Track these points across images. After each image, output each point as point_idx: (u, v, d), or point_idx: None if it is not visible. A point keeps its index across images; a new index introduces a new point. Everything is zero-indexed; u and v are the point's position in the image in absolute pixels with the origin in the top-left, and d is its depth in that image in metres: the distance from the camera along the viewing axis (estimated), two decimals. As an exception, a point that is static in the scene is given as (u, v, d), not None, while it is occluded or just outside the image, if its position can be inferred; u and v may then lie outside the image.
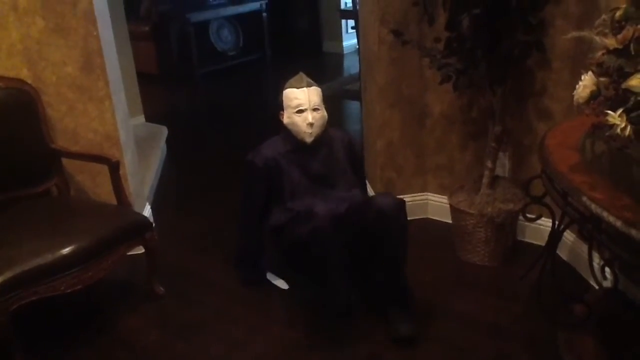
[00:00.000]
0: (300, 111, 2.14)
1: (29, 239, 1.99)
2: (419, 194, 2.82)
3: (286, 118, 2.19)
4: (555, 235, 1.74)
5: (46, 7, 2.29)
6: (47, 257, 1.90)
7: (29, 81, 2.34)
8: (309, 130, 2.14)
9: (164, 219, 2.95)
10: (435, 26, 2.24)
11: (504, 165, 2.47)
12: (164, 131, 4.13)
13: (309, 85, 2.18)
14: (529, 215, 1.82)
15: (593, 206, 1.29)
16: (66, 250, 1.94)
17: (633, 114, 1.17)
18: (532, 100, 2.34)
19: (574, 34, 1.48)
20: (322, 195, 2.18)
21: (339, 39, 7.07)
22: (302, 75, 2.21)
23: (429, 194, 2.82)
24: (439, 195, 2.75)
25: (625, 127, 1.19)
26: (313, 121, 2.13)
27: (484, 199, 2.32)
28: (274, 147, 2.25)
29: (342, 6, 6.79)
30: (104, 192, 2.49)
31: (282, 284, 2.37)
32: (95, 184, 2.54)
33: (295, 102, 2.14)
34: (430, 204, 2.81)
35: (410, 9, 2.33)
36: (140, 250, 2.30)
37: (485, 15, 1.95)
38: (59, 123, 2.44)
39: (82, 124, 2.46)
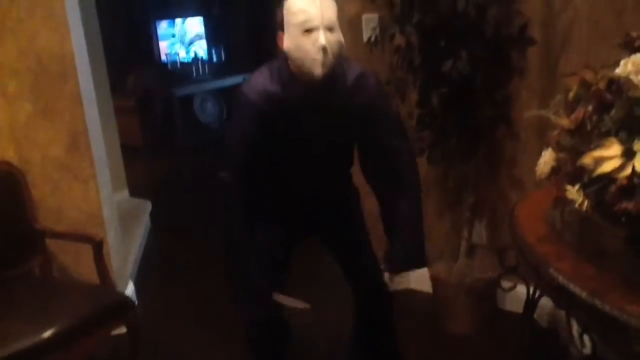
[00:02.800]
0: (309, 30, 1.51)
1: (8, 321, 1.98)
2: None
3: (287, 42, 1.57)
4: (530, 304, 1.78)
5: (34, 91, 2.38)
6: (27, 341, 1.89)
7: (15, 162, 2.39)
8: (321, 58, 1.51)
9: (147, 295, 2.94)
10: (408, 102, 2.36)
11: (480, 233, 2.53)
12: (147, 206, 4.16)
13: None
14: (504, 286, 1.86)
15: (560, 277, 1.35)
16: (47, 334, 1.92)
17: (588, 190, 1.25)
18: (503, 170, 2.44)
19: (534, 112, 1.58)
20: (310, 179, 1.77)
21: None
22: None
23: (410, 262, 2.85)
24: (420, 264, 2.78)
25: (583, 201, 1.26)
26: (327, 44, 1.51)
27: (462, 268, 2.36)
28: (268, 80, 1.67)
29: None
30: (86, 271, 2.49)
31: (298, 302, 1.77)
32: (77, 263, 2.55)
33: (301, 17, 1.51)
34: (411, 274, 2.84)
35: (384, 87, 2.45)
36: (123, 329, 2.29)
37: (453, 93, 2.06)
38: (43, 202, 2.48)
39: (66, 203, 2.50)
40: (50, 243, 2.46)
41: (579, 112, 1.34)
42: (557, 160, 1.43)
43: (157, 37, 7.35)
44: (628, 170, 1.17)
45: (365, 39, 2.45)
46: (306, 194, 1.82)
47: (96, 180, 2.52)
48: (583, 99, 1.38)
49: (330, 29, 1.53)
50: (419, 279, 2.78)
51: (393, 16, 2.14)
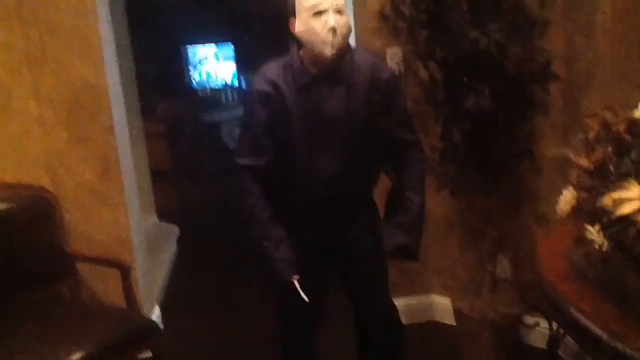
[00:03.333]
0: (319, 13, 1.60)
1: (37, 343, 2.04)
2: (423, 295, 2.85)
3: (299, 26, 1.66)
4: (554, 341, 1.77)
5: (70, 120, 2.48)
6: (57, 364, 1.94)
7: (50, 188, 2.48)
8: (331, 38, 1.60)
9: (174, 320, 2.98)
10: (431, 136, 2.38)
11: (505, 268, 2.51)
12: (175, 230, 4.24)
13: None
14: (527, 322, 1.85)
15: (580, 317, 1.34)
16: (75, 357, 1.97)
17: (608, 231, 1.25)
18: (527, 205, 2.43)
19: (555, 150, 1.59)
20: (328, 156, 1.73)
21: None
22: None
23: (434, 295, 2.85)
24: (444, 297, 2.78)
25: (603, 243, 1.26)
26: (336, 26, 1.60)
27: (486, 303, 2.35)
28: (277, 69, 1.74)
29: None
30: (114, 294, 2.55)
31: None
32: (106, 286, 2.61)
33: (311, 1, 1.60)
34: (435, 306, 2.83)
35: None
36: (149, 354, 2.33)
37: (476, 129, 2.08)
38: (75, 227, 2.56)
39: (97, 228, 2.58)
40: (80, 266, 2.53)
41: (599, 153, 1.35)
42: (578, 199, 1.44)
43: (187, 63, 7.55)
44: (648, 213, 1.18)
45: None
46: (323, 192, 1.77)
47: (126, 206, 2.59)
48: (603, 139, 1.39)
49: (339, 11, 1.62)
50: (442, 312, 2.77)
51: (416, 52, 2.18)
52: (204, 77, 7.97)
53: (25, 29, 2.35)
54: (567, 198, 1.47)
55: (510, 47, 1.97)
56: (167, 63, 7.83)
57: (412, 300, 2.81)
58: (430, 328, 2.78)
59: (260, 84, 1.73)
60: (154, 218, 4.42)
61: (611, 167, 1.35)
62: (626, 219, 1.20)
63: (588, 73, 2.10)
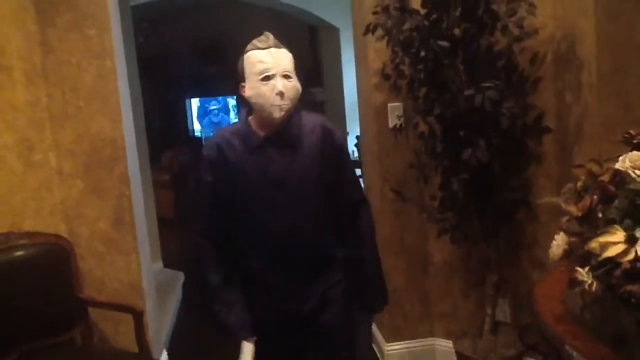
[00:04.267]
0: (267, 78, 1.65)
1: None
2: (426, 339, 2.91)
3: (248, 90, 1.69)
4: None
5: (87, 171, 2.61)
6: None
7: (66, 236, 2.59)
8: (279, 102, 1.65)
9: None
10: (431, 185, 2.51)
11: (504, 311, 2.59)
12: (180, 277, 4.31)
13: (277, 46, 1.69)
14: (513, 353, 1.93)
15: (575, 354, 1.43)
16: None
17: (596, 272, 1.35)
18: (525, 251, 2.54)
19: (547, 199, 1.71)
20: (277, 213, 1.73)
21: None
22: (267, 35, 1.71)
23: (436, 339, 2.91)
24: (446, 340, 2.84)
25: (592, 283, 1.37)
26: (284, 90, 1.64)
27: (486, 344, 2.42)
28: (227, 134, 1.78)
29: (351, 156, 7.28)
30: (125, 339, 2.62)
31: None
32: (116, 331, 2.68)
33: (259, 67, 1.65)
34: (437, 350, 2.89)
35: (408, 170, 2.61)
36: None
37: (473, 179, 2.21)
38: (88, 274, 2.65)
39: (110, 274, 2.67)
40: (92, 312, 2.61)
41: (586, 201, 1.46)
42: (569, 244, 1.55)
43: (191, 114, 7.77)
44: (631, 255, 1.28)
45: (390, 125, 2.64)
46: (276, 255, 1.77)
47: (138, 253, 2.69)
48: (590, 189, 1.51)
49: (286, 76, 1.66)
50: (445, 355, 2.83)
51: (416, 107, 2.33)
52: (208, 127, 8.19)
53: (49, 88, 2.51)
54: (558, 242, 1.58)
55: (503, 104, 2.12)
56: (171, 113, 8.05)
57: (415, 344, 2.88)
58: (434, 373, 2.83)
59: (207, 150, 1.78)
60: (160, 264, 4.50)
61: (599, 214, 1.47)
62: (612, 261, 1.31)
63: (577, 127, 2.25)
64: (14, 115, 2.47)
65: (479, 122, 2.12)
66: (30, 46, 2.48)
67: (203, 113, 8.33)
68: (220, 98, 8.23)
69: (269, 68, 1.65)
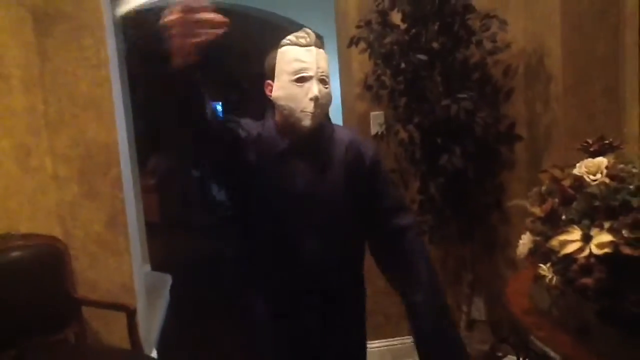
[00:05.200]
0: (302, 79, 1.45)
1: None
2: (407, 337, 3.05)
3: (277, 90, 1.49)
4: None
5: (81, 175, 2.71)
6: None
7: (61, 238, 2.68)
8: (311, 109, 1.45)
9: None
10: (411, 189, 2.65)
11: (479, 308, 2.74)
12: (168, 280, 4.41)
13: (318, 46, 1.49)
14: (497, 354, 2.07)
15: (538, 343, 1.58)
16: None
17: (556, 268, 1.50)
18: (498, 251, 2.69)
19: (515, 202, 1.87)
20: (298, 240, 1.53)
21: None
22: (308, 31, 1.49)
23: (415, 336, 3.05)
24: (425, 338, 2.98)
25: (552, 277, 1.52)
26: (319, 95, 1.44)
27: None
28: (255, 127, 1.56)
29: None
30: (116, 337, 2.71)
31: None
32: (108, 330, 2.77)
33: (295, 66, 1.45)
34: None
35: (389, 175, 2.76)
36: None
37: (449, 183, 2.36)
38: (82, 274, 2.74)
39: (102, 274, 2.76)
40: (85, 311, 2.70)
41: (549, 203, 1.62)
42: (534, 242, 1.70)
43: (179, 120, 7.85)
44: (586, 252, 1.43)
45: (372, 133, 2.79)
46: (296, 281, 1.57)
47: (130, 254, 2.79)
48: (553, 192, 1.66)
49: (323, 80, 1.47)
50: (423, 353, 2.97)
51: (396, 116, 2.48)
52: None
53: (45, 95, 2.61)
54: (524, 242, 1.72)
55: (477, 113, 2.27)
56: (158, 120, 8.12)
57: (395, 342, 3.02)
58: (414, 368, 2.97)
59: (248, 126, 1.56)
60: (147, 267, 4.59)
61: (562, 216, 1.61)
62: (569, 257, 1.46)
63: (546, 135, 2.41)
64: (12, 122, 2.56)
65: (454, 130, 2.27)
66: (28, 55, 2.58)
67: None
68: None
69: (307, 68, 1.45)
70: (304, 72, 1.45)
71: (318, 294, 1.58)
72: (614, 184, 1.50)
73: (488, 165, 2.45)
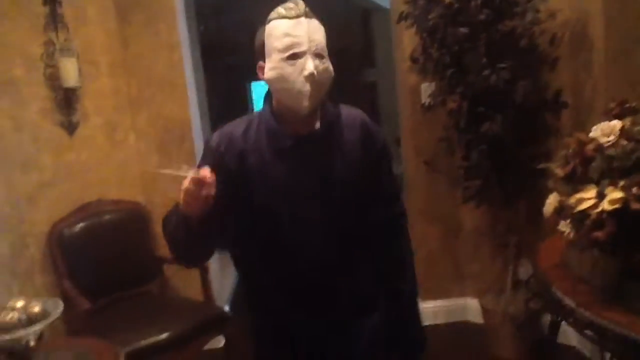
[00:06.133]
0: (294, 56, 1.29)
1: (136, 326, 2.56)
2: (458, 298, 3.22)
3: (269, 71, 1.33)
4: (553, 326, 2.12)
5: (160, 148, 3.06)
6: (150, 340, 2.45)
7: (144, 203, 3.05)
8: (307, 88, 1.29)
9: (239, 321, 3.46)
10: (457, 157, 2.79)
11: (526, 270, 2.86)
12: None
13: (308, 16, 1.32)
14: (532, 306, 2.21)
15: (558, 293, 1.72)
16: (164, 336, 2.47)
17: (573, 222, 1.64)
18: (543, 215, 2.78)
19: (543, 165, 1.98)
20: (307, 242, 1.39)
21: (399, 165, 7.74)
22: (296, 1, 1.33)
23: (467, 298, 3.21)
24: (474, 299, 3.14)
25: (569, 232, 1.65)
26: (315, 72, 1.28)
27: (508, 299, 2.71)
28: (243, 127, 1.42)
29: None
30: (192, 292, 3.07)
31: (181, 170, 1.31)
32: (185, 285, 3.13)
33: (285, 41, 1.29)
34: (468, 307, 3.19)
35: (438, 144, 2.90)
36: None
37: (492, 150, 2.48)
38: (162, 236, 3.09)
39: (180, 236, 3.11)
40: (166, 269, 3.07)
41: (570, 165, 1.73)
42: (559, 202, 1.82)
43: (251, 97, 8.21)
44: (599, 208, 1.56)
45: (423, 101, 2.94)
46: (305, 288, 1.45)
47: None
48: (577, 155, 1.77)
49: (319, 55, 1.31)
50: (473, 312, 3.13)
51: (442, 87, 2.62)
52: (266, 109, 8.62)
53: (128, 77, 2.97)
54: (550, 201, 1.85)
55: (519, 82, 2.37)
56: (232, 97, 8.52)
57: (446, 302, 3.20)
58: (462, 327, 3.14)
59: (217, 140, 1.42)
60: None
61: (581, 175, 1.73)
62: (584, 213, 1.58)
63: (589, 103, 2.47)
64: (101, 101, 2.93)
65: (495, 99, 2.39)
66: (112, 42, 2.94)
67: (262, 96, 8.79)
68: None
69: (298, 43, 1.29)
70: (296, 47, 1.29)
71: (326, 302, 1.46)
72: (631, 144, 1.60)
73: (531, 132, 2.54)
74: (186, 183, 1.25)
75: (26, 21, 2.55)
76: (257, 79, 1.38)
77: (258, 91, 8.12)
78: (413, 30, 2.71)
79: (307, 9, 1.33)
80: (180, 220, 1.33)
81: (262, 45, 1.35)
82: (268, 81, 1.37)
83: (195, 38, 4.37)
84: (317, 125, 1.41)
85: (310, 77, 1.29)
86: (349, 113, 1.48)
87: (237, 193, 1.36)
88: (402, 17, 2.69)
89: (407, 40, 2.94)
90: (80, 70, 2.70)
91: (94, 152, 2.91)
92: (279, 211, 1.39)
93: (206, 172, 1.21)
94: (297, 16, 1.31)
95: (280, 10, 1.33)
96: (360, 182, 1.43)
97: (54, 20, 2.65)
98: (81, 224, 2.77)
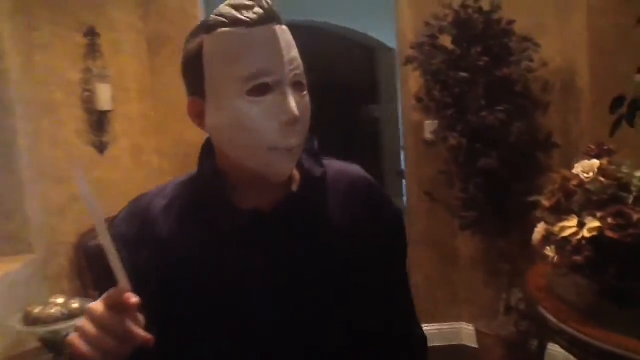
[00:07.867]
0: (263, 89, 0.81)
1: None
2: (454, 322, 3.41)
3: (214, 115, 0.87)
4: (540, 345, 2.33)
5: (179, 169, 3.16)
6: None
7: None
8: (289, 141, 0.83)
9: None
10: (456, 188, 3.03)
11: (517, 297, 3.06)
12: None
13: (277, 21, 0.83)
14: (521, 329, 2.42)
15: (543, 312, 1.93)
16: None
17: (557, 248, 1.86)
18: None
19: (535, 197, 2.21)
20: None
21: (400, 197, 7.99)
22: None
23: (462, 323, 3.40)
24: (470, 324, 3.33)
25: (554, 257, 1.87)
26: (299, 114, 0.82)
27: (500, 323, 2.91)
28: (164, 200, 0.99)
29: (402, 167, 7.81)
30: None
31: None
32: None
33: (247, 65, 0.81)
34: (463, 332, 3.38)
35: (438, 176, 3.14)
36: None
37: (487, 183, 2.72)
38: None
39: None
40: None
41: (555, 198, 1.97)
42: (546, 230, 2.05)
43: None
44: (580, 235, 1.79)
45: (426, 137, 3.19)
46: None
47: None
48: (562, 189, 2.01)
49: (297, 85, 0.84)
50: (468, 337, 3.32)
51: (443, 125, 2.87)
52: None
53: (155, 104, 3.22)
54: (539, 230, 2.08)
55: (514, 123, 2.63)
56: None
57: (444, 326, 3.39)
58: (459, 350, 3.33)
59: (121, 225, 0.96)
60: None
61: (565, 207, 1.96)
62: (566, 240, 1.81)
63: (576, 144, 2.72)
64: (130, 125, 3.18)
65: (492, 137, 2.64)
66: (143, 71, 3.20)
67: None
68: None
69: (269, 68, 0.81)
70: (266, 75, 0.81)
71: None
72: (607, 181, 1.84)
73: (524, 168, 2.78)
74: (82, 322, 0.74)
75: (68, 50, 2.82)
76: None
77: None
78: (417, 73, 2.98)
79: (273, 9, 0.83)
80: None
81: (198, 69, 0.85)
82: (213, 131, 0.89)
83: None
84: (291, 190, 0.90)
85: (292, 122, 0.81)
86: (343, 171, 0.98)
87: (157, 310, 0.81)
88: (408, 61, 2.96)
89: (412, 81, 3.21)
90: (112, 96, 2.96)
91: (120, 170, 3.14)
92: (220, 333, 0.86)
93: (124, 289, 0.75)
94: (262, 21, 0.81)
95: (230, 11, 0.81)
96: (354, 283, 0.91)
97: (93, 49, 2.93)
98: (105, 237, 2.97)
